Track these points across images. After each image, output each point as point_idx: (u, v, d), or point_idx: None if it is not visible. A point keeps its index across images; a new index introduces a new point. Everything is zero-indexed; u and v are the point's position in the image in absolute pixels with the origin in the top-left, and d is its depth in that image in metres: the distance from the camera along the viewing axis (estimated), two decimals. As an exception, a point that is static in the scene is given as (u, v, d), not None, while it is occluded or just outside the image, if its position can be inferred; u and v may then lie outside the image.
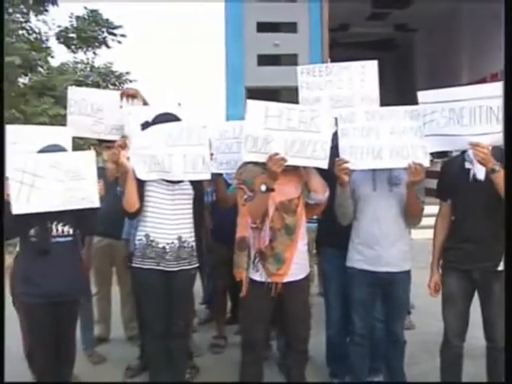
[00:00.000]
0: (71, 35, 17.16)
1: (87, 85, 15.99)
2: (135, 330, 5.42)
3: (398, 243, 3.98)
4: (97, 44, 17.47)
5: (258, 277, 3.86)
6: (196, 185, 4.13)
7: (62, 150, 3.97)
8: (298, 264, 3.91)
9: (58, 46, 17.38)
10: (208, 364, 4.98)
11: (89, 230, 4.16)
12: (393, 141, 3.81)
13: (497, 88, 3.69)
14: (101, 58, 18.10)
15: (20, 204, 3.67)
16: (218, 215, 5.09)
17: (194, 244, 4.12)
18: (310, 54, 13.74)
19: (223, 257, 5.06)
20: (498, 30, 14.47)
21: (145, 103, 4.80)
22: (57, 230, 3.84)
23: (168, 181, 4.02)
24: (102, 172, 4.39)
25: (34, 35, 16.43)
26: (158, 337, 4.10)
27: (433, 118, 3.71)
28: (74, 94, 4.68)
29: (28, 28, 16.43)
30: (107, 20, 17.35)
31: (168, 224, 4.01)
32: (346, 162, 3.81)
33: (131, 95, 4.69)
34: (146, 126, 4.14)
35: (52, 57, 15.83)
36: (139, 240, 4.05)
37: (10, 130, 4.21)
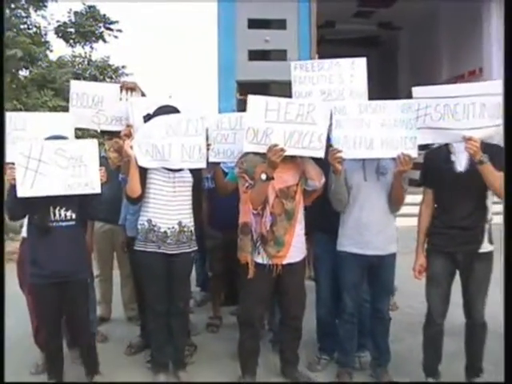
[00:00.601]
0: (69, 30, 17.08)
1: (85, 78, 16.04)
2: (135, 311, 5.51)
3: (385, 229, 4.09)
4: (94, 39, 17.36)
5: (260, 259, 3.97)
6: (195, 173, 4.22)
7: (66, 139, 4.04)
8: (296, 247, 4.04)
9: (57, 41, 17.34)
10: (205, 342, 5.05)
11: (90, 215, 4.19)
12: (383, 132, 3.91)
13: (490, 86, 3.85)
14: (98, 52, 18.11)
15: (24, 188, 3.72)
16: (214, 202, 5.13)
17: (192, 229, 4.21)
18: (299, 49, 13.76)
19: (219, 242, 5.17)
20: (475, 29, 14.64)
21: (143, 95, 4.89)
22: (60, 215, 3.88)
23: (168, 169, 4.09)
24: (104, 161, 4.44)
25: (34, 29, 16.36)
26: (160, 315, 4.19)
27: (427, 112, 3.81)
28: (76, 87, 4.74)
29: (28, 23, 16.38)
30: (104, 15, 17.27)
31: (169, 210, 4.09)
32: (340, 152, 3.90)
33: (130, 88, 4.81)
34: (147, 118, 4.22)
35: (51, 51, 15.84)
36: (141, 225, 4.12)
37: (18, 117, 4.26)
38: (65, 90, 13.79)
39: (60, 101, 12.71)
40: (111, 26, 17.52)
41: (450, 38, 16.76)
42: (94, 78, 16.19)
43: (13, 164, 3.75)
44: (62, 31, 16.92)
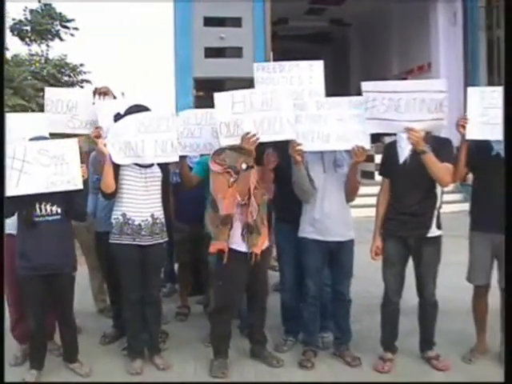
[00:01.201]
0: (25, 28, 16.86)
1: (43, 76, 15.85)
2: (105, 303, 5.67)
3: (343, 217, 4.36)
4: (50, 37, 17.21)
5: (244, 248, 4.20)
6: (163, 168, 4.42)
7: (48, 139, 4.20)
8: (266, 235, 4.35)
9: (12, 39, 17.06)
10: (175, 330, 5.20)
11: (76, 211, 4.29)
12: (339, 127, 4.18)
13: (429, 84, 4.16)
14: (55, 50, 17.88)
15: (10, 187, 3.89)
16: (180, 196, 5.27)
17: (163, 220, 4.41)
18: (254, 46, 13.89)
19: (186, 234, 5.33)
20: (423, 26, 15.09)
21: (115, 99, 5.04)
22: (46, 210, 4.06)
23: (140, 165, 4.27)
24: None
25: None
26: (135, 304, 4.37)
27: (374, 105, 4.09)
28: (51, 93, 4.83)
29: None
30: (60, 14, 17.11)
31: (142, 203, 4.28)
32: (300, 145, 4.14)
33: (103, 92, 5.02)
34: (118, 117, 4.38)
35: (7, 49, 15.58)
36: (116, 219, 4.29)
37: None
38: (23, 89, 13.73)
39: (18, 99, 12.62)
40: (67, 24, 17.40)
41: (399, 34, 17.19)
42: (53, 77, 16.05)
43: None
44: (17, 29, 16.72)
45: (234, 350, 4.62)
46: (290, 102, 4.17)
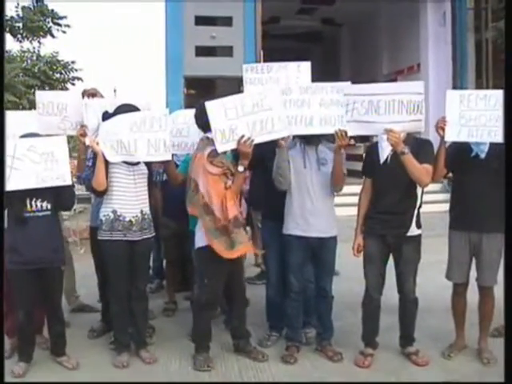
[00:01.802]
0: (17, 25, 16.83)
1: (34, 73, 15.86)
2: (78, 299, 5.77)
3: (327, 214, 4.46)
4: (42, 34, 17.17)
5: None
6: (148, 164, 4.52)
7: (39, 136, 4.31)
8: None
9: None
10: (162, 325, 5.29)
11: (64, 205, 4.45)
12: (322, 111, 4.28)
13: (407, 86, 4.31)
14: (46, 47, 17.89)
15: (4, 182, 3.99)
16: (167, 193, 5.37)
17: (151, 216, 4.53)
18: (244, 45, 13.94)
19: (173, 231, 5.41)
20: (413, 27, 15.19)
21: None
22: (36, 206, 4.16)
23: (128, 162, 4.36)
24: None
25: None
26: (123, 299, 4.46)
27: (354, 107, 4.18)
28: (42, 97, 4.93)
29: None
30: (52, 11, 17.07)
31: (132, 200, 4.38)
32: None
33: (91, 94, 5.13)
34: (106, 116, 4.47)
35: (1, 47, 15.54)
36: (106, 215, 4.37)
37: None
38: (14, 86, 13.73)
39: (9, 96, 12.62)
40: (59, 21, 17.35)
41: (389, 35, 17.25)
42: (44, 74, 16.06)
43: None
44: (9, 26, 16.65)
45: (219, 344, 4.72)
46: (279, 100, 4.25)
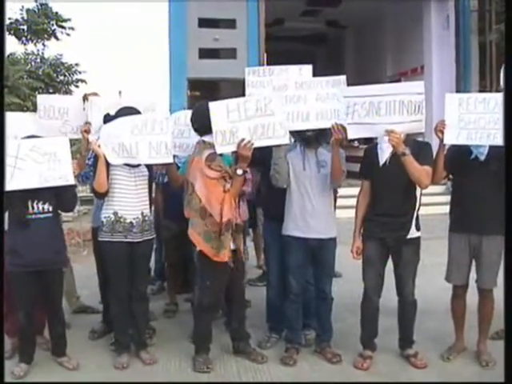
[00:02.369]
0: (22, 27, 16.90)
1: (38, 76, 15.92)
2: (79, 300, 5.80)
3: (326, 216, 4.48)
4: (46, 36, 17.23)
5: (232, 246, 4.34)
6: (149, 167, 4.56)
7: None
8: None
9: (9, 38, 17.05)
10: (162, 327, 5.32)
11: (66, 207, 4.50)
12: (318, 106, 4.32)
13: (407, 86, 4.33)
14: (50, 49, 17.91)
15: (4, 183, 4.03)
16: (169, 195, 5.39)
17: (151, 217, 4.59)
18: (248, 48, 14.02)
19: (174, 233, 5.42)
20: (417, 28, 15.20)
21: None
22: (37, 208, 4.20)
23: (129, 164, 4.39)
24: None
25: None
26: (123, 300, 4.50)
27: (355, 110, 4.19)
28: (43, 100, 4.99)
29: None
30: (56, 13, 17.13)
31: (133, 202, 4.41)
32: None
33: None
34: (108, 118, 4.51)
35: (3, 48, 15.59)
36: (107, 217, 4.41)
37: None
38: (18, 88, 13.79)
39: (14, 98, 12.71)
40: (63, 24, 17.40)
41: (393, 37, 17.31)
42: (48, 76, 16.12)
43: None
44: (13, 28, 16.74)
45: (219, 346, 4.74)
46: (282, 106, 4.27)
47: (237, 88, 4.71)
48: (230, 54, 14.10)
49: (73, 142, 4.48)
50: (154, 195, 5.15)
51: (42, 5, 17.00)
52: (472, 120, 4.11)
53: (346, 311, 5.34)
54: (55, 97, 6.00)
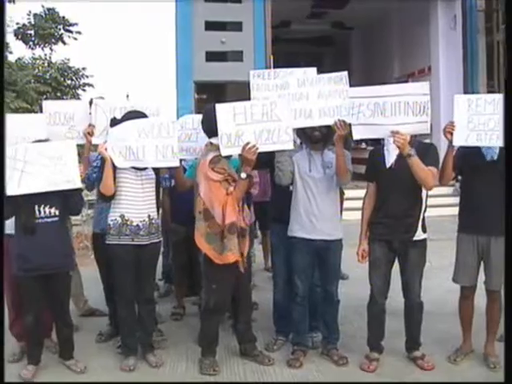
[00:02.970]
0: (29, 32, 17.02)
1: (46, 80, 16.02)
2: (86, 306, 5.82)
3: (331, 217, 4.48)
4: (54, 41, 17.35)
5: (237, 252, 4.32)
6: (156, 170, 4.57)
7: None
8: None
9: (16, 43, 17.21)
10: (170, 329, 5.33)
11: (73, 210, 4.52)
12: (320, 103, 4.35)
13: (412, 87, 4.32)
14: (58, 54, 18.04)
15: (12, 187, 4.09)
16: (176, 198, 5.40)
17: (158, 221, 4.60)
18: (254, 50, 14.04)
19: (182, 236, 5.44)
20: (423, 28, 15.16)
21: None
22: (44, 212, 4.23)
23: (136, 168, 4.42)
24: None
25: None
26: (130, 303, 4.52)
27: (360, 110, 4.21)
28: (49, 107, 5.01)
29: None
30: (63, 18, 17.25)
31: (140, 205, 4.43)
32: None
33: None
34: (114, 122, 4.54)
35: (11, 53, 15.75)
36: (113, 220, 4.42)
37: None
38: (26, 92, 13.88)
39: (21, 102, 12.78)
40: (70, 28, 17.53)
41: (400, 38, 17.27)
42: (55, 80, 16.22)
43: None
44: (21, 33, 16.86)
45: (225, 348, 4.76)
46: (289, 111, 4.29)
47: (244, 91, 4.71)
48: (237, 56, 14.14)
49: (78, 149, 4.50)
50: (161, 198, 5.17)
51: (49, 9, 17.10)
52: (481, 121, 4.10)
53: (353, 313, 5.35)
54: (60, 102, 6.03)
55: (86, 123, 4.81)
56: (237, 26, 14.22)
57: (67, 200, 4.30)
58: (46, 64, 17.35)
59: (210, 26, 14.12)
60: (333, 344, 4.63)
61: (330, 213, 4.47)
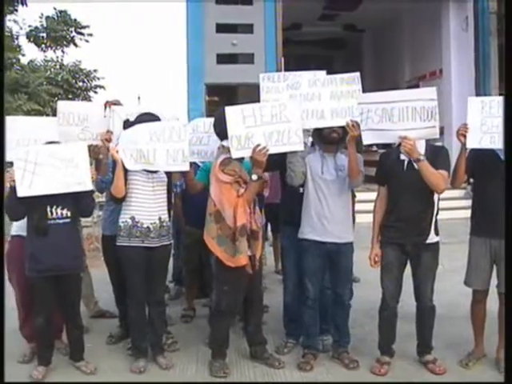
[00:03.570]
0: (41, 35, 17.12)
1: (57, 82, 16.11)
2: (96, 307, 5.83)
3: (343, 220, 4.46)
4: (65, 43, 17.45)
5: (248, 253, 4.33)
6: (168, 173, 4.57)
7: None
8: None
9: (28, 45, 17.33)
10: (180, 332, 5.32)
11: (84, 212, 4.53)
12: (333, 103, 4.35)
13: (419, 93, 4.29)
14: (69, 56, 18.16)
15: (23, 188, 4.11)
16: (189, 201, 5.39)
17: (169, 223, 4.60)
18: (266, 52, 14.04)
19: (194, 239, 5.42)
20: (435, 30, 15.09)
21: None
22: (56, 213, 4.25)
23: (147, 170, 4.42)
24: None
25: (6, 34, 16.33)
26: (141, 305, 4.53)
27: (368, 116, 4.20)
28: (63, 107, 4.98)
29: (0, 27, 16.40)
30: (75, 20, 17.35)
31: (151, 207, 4.44)
32: None
33: (113, 105, 5.09)
34: (127, 124, 4.55)
35: (23, 55, 15.88)
36: (124, 222, 4.43)
37: (10, 120, 4.68)
38: (38, 94, 13.96)
39: (34, 104, 12.86)
40: (82, 31, 17.62)
41: (411, 40, 17.20)
42: (67, 82, 16.31)
43: (10, 164, 4.10)
44: (33, 36, 16.97)
45: (236, 351, 4.75)
46: (298, 113, 4.28)
47: (255, 93, 4.71)
48: (248, 58, 14.14)
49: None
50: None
51: (61, 12, 17.20)
52: (495, 124, 4.07)
53: (364, 316, 5.33)
54: (75, 103, 6.05)
55: (100, 125, 4.81)
56: (248, 28, 14.24)
57: (78, 202, 4.32)
58: (57, 66, 17.49)
59: (221, 28, 14.13)
60: (343, 347, 4.61)
61: (342, 215, 4.45)
